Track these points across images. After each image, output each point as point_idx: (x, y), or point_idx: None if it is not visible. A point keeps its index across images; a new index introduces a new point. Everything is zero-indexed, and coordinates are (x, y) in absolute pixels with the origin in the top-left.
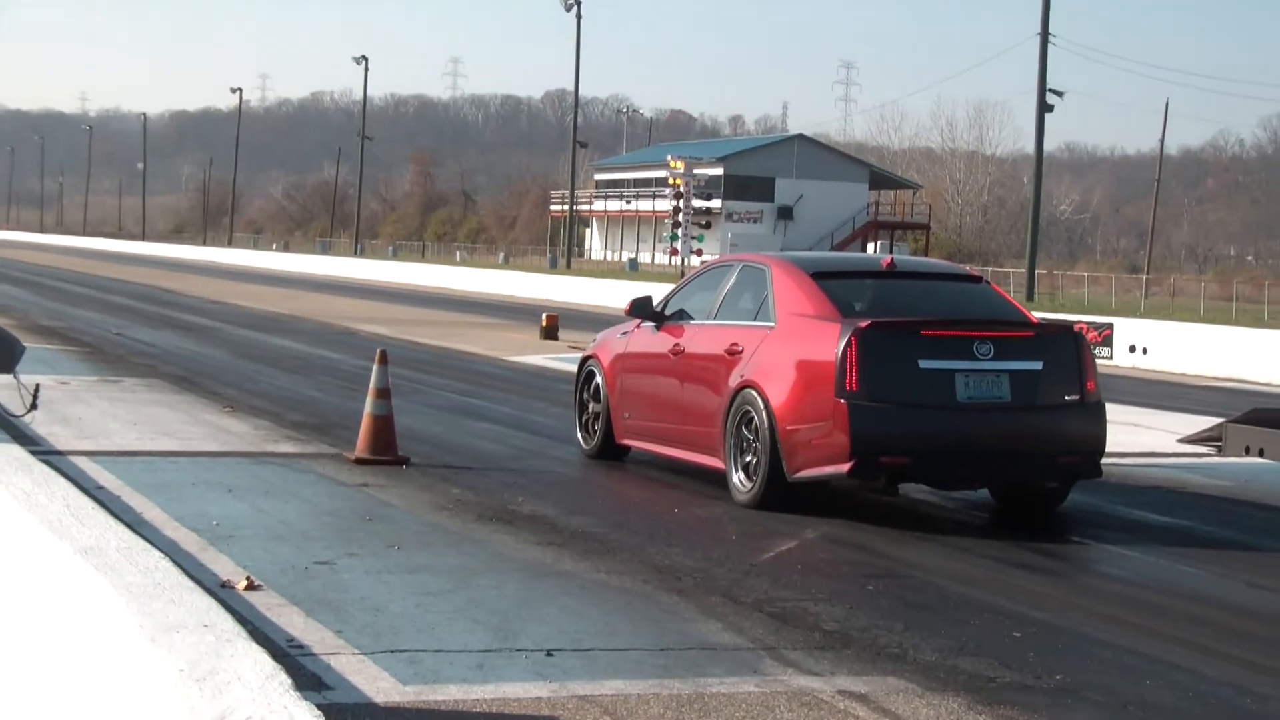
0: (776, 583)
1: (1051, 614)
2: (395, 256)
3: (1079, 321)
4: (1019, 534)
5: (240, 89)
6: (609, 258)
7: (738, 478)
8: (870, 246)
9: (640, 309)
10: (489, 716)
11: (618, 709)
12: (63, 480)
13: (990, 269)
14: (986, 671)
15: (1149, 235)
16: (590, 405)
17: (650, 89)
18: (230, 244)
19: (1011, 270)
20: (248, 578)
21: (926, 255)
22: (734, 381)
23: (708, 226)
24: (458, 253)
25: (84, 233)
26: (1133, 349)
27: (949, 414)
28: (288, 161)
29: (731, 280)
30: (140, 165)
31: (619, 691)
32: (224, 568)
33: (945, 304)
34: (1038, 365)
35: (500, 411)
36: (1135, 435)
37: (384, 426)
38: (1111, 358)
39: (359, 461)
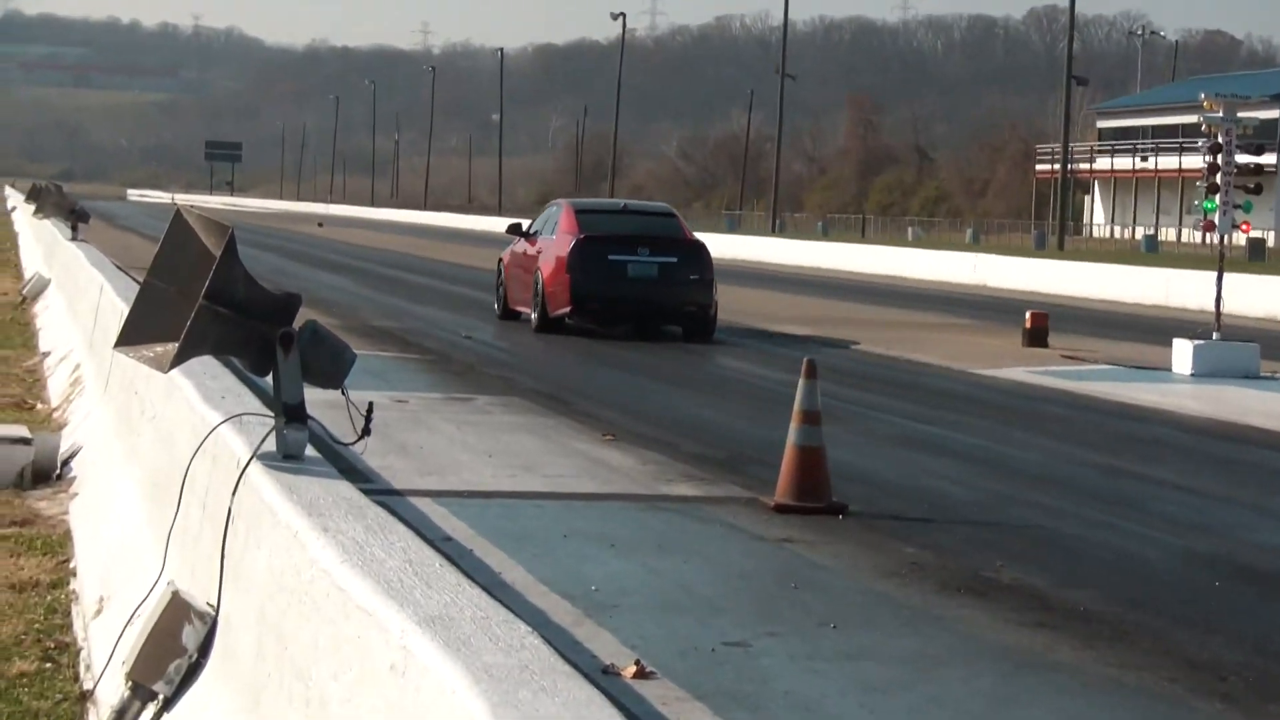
0: None
1: None
2: (825, 234)
3: None
4: None
5: (623, 15)
6: (1116, 234)
7: (532, 316)
8: None
9: (515, 229)
10: None
11: None
12: (402, 528)
13: None
14: None
15: None
16: (499, 290)
17: (1174, 3)
18: None
19: None
20: (637, 661)
21: None
22: (537, 266)
23: (1257, 191)
24: (909, 229)
25: (425, 206)
26: None
27: (624, 283)
28: (684, 109)
29: (551, 211)
30: (495, 117)
31: None
32: (606, 647)
33: (639, 226)
34: (675, 259)
35: (968, 444)
36: None
37: (813, 462)
38: None
39: (780, 509)
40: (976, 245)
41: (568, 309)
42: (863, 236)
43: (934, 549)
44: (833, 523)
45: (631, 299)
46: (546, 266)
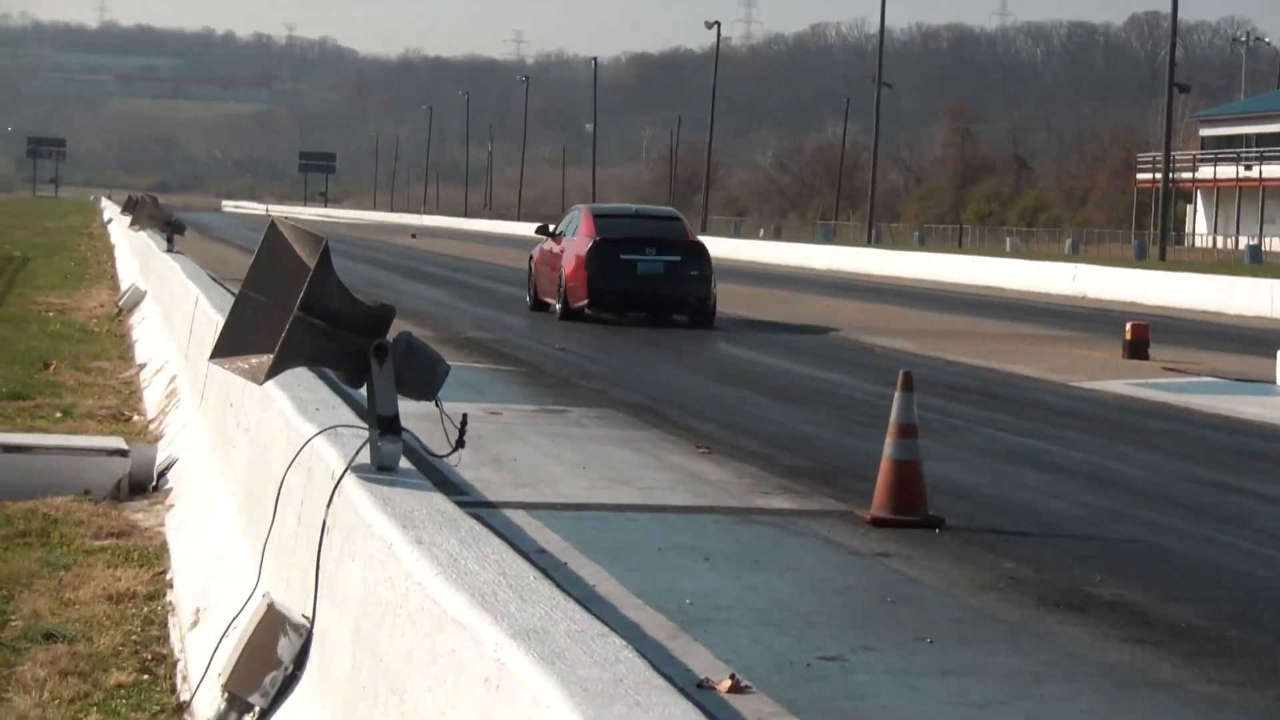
0: None
1: None
2: (921, 245)
3: None
4: None
5: (718, 23)
6: (1219, 244)
7: (556, 307)
8: None
9: (543, 230)
10: None
11: None
12: (496, 540)
13: None
14: None
15: None
16: (530, 284)
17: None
18: (704, 229)
19: None
20: (732, 676)
21: None
22: (560, 264)
23: None
24: (1007, 239)
25: (518, 216)
26: None
27: (634, 279)
28: (780, 119)
29: (573, 215)
30: (589, 126)
31: None
32: (701, 661)
33: (648, 229)
34: (679, 258)
35: (1068, 458)
36: None
37: (909, 476)
38: None
39: (876, 522)
40: (1076, 255)
41: (585, 302)
42: (960, 247)
43: (1032, 563)
44: (929, 537)
45: (640, 293)
46: (568, 265)
